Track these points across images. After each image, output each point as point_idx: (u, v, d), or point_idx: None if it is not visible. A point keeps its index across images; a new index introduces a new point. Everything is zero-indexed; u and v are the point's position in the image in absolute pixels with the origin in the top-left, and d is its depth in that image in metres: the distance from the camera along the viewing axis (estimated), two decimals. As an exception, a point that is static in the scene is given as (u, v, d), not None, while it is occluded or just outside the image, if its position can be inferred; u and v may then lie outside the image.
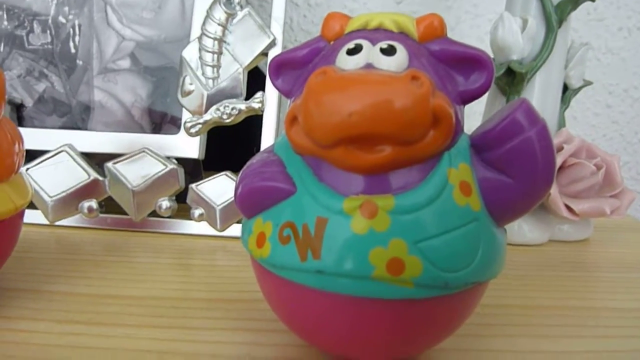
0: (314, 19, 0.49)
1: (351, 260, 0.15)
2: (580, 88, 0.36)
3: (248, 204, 0.17)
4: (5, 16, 0.35)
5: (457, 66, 0.17)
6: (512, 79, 0.33)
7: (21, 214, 0.22)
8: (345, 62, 0.16)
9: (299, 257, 0.15)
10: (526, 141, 0.16)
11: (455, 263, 0.15)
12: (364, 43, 0.16)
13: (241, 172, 0.18)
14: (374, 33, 0.17)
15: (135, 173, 0.32)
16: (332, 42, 0.17)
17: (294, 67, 0.18)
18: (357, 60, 0.16)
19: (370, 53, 0.16)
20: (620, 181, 0.32)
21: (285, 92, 0.18)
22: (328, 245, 0.15)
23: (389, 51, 0.16)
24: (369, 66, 0.16)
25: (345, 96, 0.15)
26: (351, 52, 0.16)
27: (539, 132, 0.16)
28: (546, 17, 0.33)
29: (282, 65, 0.18)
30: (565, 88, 0.36)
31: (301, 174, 0.16)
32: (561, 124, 0.36)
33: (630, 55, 0.51)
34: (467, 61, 0.17)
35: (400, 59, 0.16)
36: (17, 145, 0.22)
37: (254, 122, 0.34)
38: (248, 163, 0.18)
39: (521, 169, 0.16)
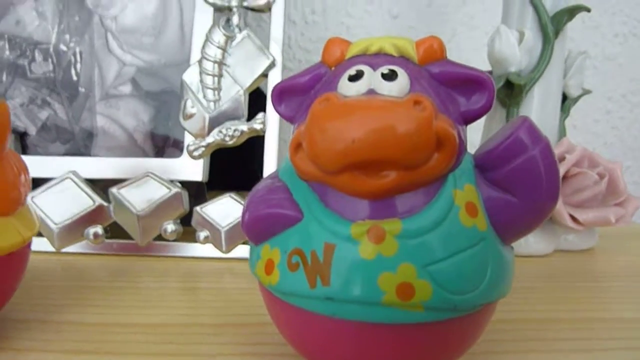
0: (312, 36, 0.49)
1: (360, 286, 0.15)
2: (579, 97, 0.36)
3: (255, 232, 0.17)
4: (7, 46, 0.35)
5: (458, 87, 0.17)
6: (511, 91, 0.34)
7: (29, 245, 0.22)
8: (348, 89, 0.16)
9: (308, 284, 0.15)
10: (530, 160, 0.16)
11: (465, 285, 0.15)
12: (365, 69, 0.16)
13: (247, 198, 0.18)
14: (375, 58, 0.17)
15: (139, 197, 0.32)
16: (333, 68, 0.18)
17: (296, 94, 0.18)
18: (358, 87, 0.16)
19: (372, 79, 0.16)
20: (623, 189, 0.32)
21: (288, 118, 0.18)
22: (337, 272, 0.15)
23: (390, 76, 0.16)
24: (371, 92, 0.16)
25: (348, 123, 0.15)
26: (353, 78, 0.16)
27: (542, 151, 0.16)
28: (542, 29, 0.33)
29: (284, 92, 0.18)
30: (565, 97, 0.36)
31: (307, 200, 0.16)
32: (562, 133, 0.36)
33: (627, 61, 0.51)
34: (468, 82, 0.17)
35: (401, 84, 0.16)
36: (22, 177, 0.22)
37: (255, 141, 0.34)
38: (254, 189, 0.18)
39: (526, 187, 0.16)
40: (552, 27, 0.33)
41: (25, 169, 0.23)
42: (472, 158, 0.17)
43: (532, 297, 0.27)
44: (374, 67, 0.16)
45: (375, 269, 0.15)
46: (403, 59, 0.17)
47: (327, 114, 0.15)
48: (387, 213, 0.15)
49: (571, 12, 0.33)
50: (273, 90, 0.18)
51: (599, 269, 0.32)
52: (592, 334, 0.23)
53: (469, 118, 0.17)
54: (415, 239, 0.15)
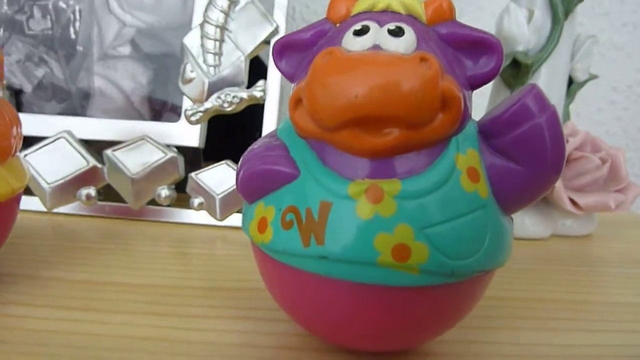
0: (317, 9, 0.49)
1: (355, 246, 0.14)
2: (585, 81, 0.36)
3: (250, 188, 0.17)
4: (5, 1, 0.35)
5: (466, 50, 0.16)
6: (517, 71, 0.33)
7: (18, 198, 0.22)
8: (352, 44, 0.16)
9: (301, 242, 0.15)
10: (536, 127, 0.15)
11: (462, 250, 0.15)
12: (371, 24, 0.16)
13: (243, 156, 0.17)
14: (382, 15, 0.16)
15: (134, 161, 0.31)
16: (338, 25, 0.17)
17: (298, 50, 0.18)
18: (364, 42, 0.15)
19: (378, 34, 0.15)
20: (625, 175, 0.32)
21: (288, 75, 0.18)
22: (332, 231, 0.15)
23: (397, 32, 0.15)
24: (376, 47, 0.15)
25: (351, 77, 0.14)
26: (358, 33, 0.16)
27: (549, 119, 0.15)
28: (552, 9, 0.33)
29: (286, 47, 0.18)
30: (571, 81, 0.35)
31: (305, 158, 0.16)
32: (566, 117, 0.35)
33: (634, 51, 0.51)
34: (476, 45, 0.16)
35: (408, 41, 0.15)
36: (15, 129, 0.22)
37: (255, 111, 0.33)
38: (250, 147, 0.18)
39: (530, 155, 0.15)
40: (563, 7, 0.33)
41: (17, 121, 0.22)
42: (477, 125, 0.17)
43: (527, 278, 0.27)
44: (381, 24, 0.16)
45: (371, 229, 0.14)
46: (411, 18, 0.16)
47: (330, 68, 0.15)
48: (387, 173, 0.15)
49: (583, -7, 0.32)
50: (274, 45, 0.18)
51: (595, 254, 0.32)
52: (584, 316, 0.23)
53: (476, 83, 0.16)
54: (414, 200, 0.14)
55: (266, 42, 0.33)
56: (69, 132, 0.32)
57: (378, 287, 0.15)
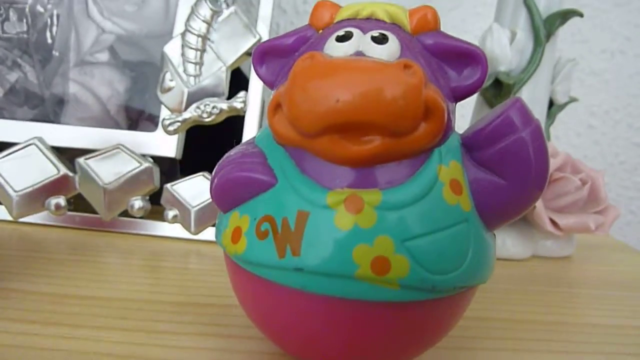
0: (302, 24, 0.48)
1: (333, 258, 0.14)
2: (565, 104, 0.36)
3: (224, 196, 0.16)
4: (-21, 2, 0.34)
5: (450, 60, 0.16)
6: (499, 91, 0.33)
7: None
8: (335, 49, 0.15)
9: (277, 253, 0.14)
10: (519, 141, 0.15)
11: (444, 265, 0.14)
12: (355, 31, 0.15)
13: (218, 163, 0.17)
14: (366, 22, 0.16)
15: (108, 170, 0.30)
16: (320, 31, 0.17)
17: (280, 55, 0.17)
18: (346, 48, 0.15)
19: (361, 41, 0.15)
20: (604, 197, 0.32)
21: (268, 82, 0.17)
22: (309, 241, 0.14)
23: (381, 40, 0.15)
24: (359, 54, 0.15)
25: (333, 82, 0.14)
26: (341, 39, 0.15)
27: (532, 132, 0.15)
28: (535, 31, 0.33)
29: (267, 53, 0.17)
30: (551, 104, 0.36)
31: (283, 166, 0.15)
32: (546, 138, 0.35)
33: (612, 78, 0.52)
34: (460, 56, 0.16)
35: (392, 49, 0.15)
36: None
37: (234, 123, 0.33)
38: (226, 155, 0.17)
39: (513, 169, 0.15)
40: (545, 30, 0.33)
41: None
42: (460, 137, 0.16)
43: (507, 299, 0.26)
44: (364, 30, 0.15)
45: (350, 241, 0.14)
46: (395, 26, 0.16)
47: (311, 72, 0.14)
48: (367, 183, 0.14)
49: (564, 16, 0.33)
50: (255, 50, 0.17)
51: (574, 276, 0.31)
52: (563, 337, 0.23)
53: (459, 94, 0.16)
54: (396, 211, 0.14)
55: (248, 53, 0.32)
56: (40, 139, 0.31)
57: (356, 302, 0.14)
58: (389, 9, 0.16)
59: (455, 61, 0.16)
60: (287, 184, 0.15)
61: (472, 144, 0.16)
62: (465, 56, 0.16)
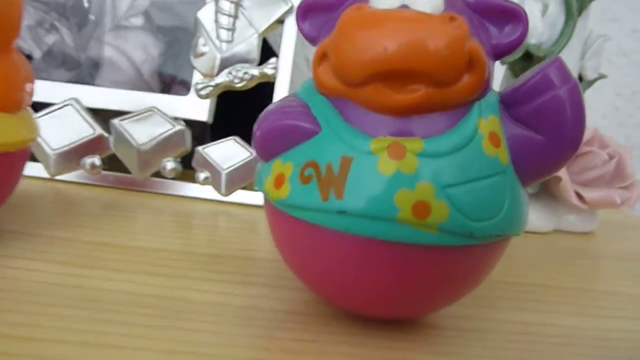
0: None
1: (375, 201, 0.14)
2: (594, 80, 0.36)
3: (268, 145, 0.16)
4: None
5: (492, 18, 0.16)
6: (529, 63, 0.33)
7: (27, 151, 0.22)
8: (380, 2, 0.15)
9: (320, 196, 0.15)
10: (556, 98, 0.15)
11: (482, 212, 0.15)
12: (400, -16, 0.16)
13: (261, 114, 0.17)
14: (410, -23, 0.16)
15: (141, 132, 0.31)
16: (364, -14, 0.17)
17: (323, 11, 0.17)
18: (392, 1, 0.15)
19: (406, -6, 0.15)
20: (631, 173, 0.32)
21: (311, 38, 0.18)
22: (352, 185, 0.14)
23: (426, -7, 0.15)
24: (404, 7, 0.15)
25: (380, 31, 0.14)
26: (387, -8, 0.16)
27: (570, 90, 0.15)
28: (567, 4, 0.33)
29: (310, 9, 0.18)
30: (580, 79, 0.36)
31: (326, 115, 0.16)
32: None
33: (641, 58, 0.51)
34: (502, 13, 0.16)
35: (436, 2, 0.15)
36: (28, 85, 0.22)
37: (262, 91, 0.33)
38: (268, 107, 0.17)
39: (550, 126, 0.16)
40: (577, 3, 0.33)
41: (31, 77, 0.22)
42: (498, 95, 0.17)
43: (531, 266, 0.27)
44: (409, -16, 0.16)
45: (392, 185, 0.14)
46: (439, -19, 0.16)
47: (359, 22, 0.15)
48: (409, 131, 0.15)
49: (598, -10, 0.33)
50: (299, 6, 0.18)
51: (597, 249, 0.32)
52: (588, 302, 0.23)
53: (499, 52, 0.16)
54: (437, 159, 0.14)
55: (280, 21, 0.33)
56: (77, 100, 0.32)
57: (395, 245, 0.14)
58: (433, -35, 0.17)
59: (496, 18, 0.16)
60: (330, 132, 0.15)
61: (509, 101, 0.16)
62: (506, 14, 0.16)
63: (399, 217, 0.14)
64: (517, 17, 0.16)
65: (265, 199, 0.18)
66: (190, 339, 0.16)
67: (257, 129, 0.17)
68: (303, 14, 0.18)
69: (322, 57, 0.16)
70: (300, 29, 0.18)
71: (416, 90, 0.14)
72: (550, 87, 0.15)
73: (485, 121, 0.15)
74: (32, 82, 0.22)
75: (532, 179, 0.16)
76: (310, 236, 0.16)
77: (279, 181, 0.16)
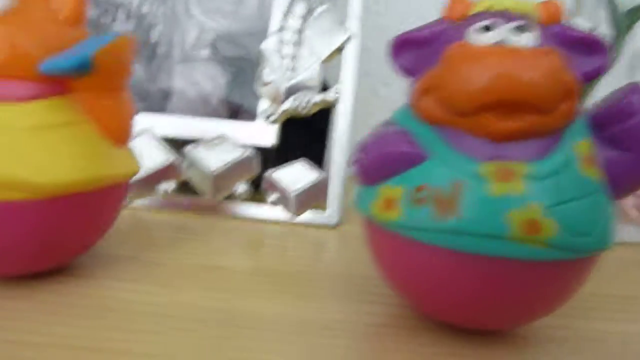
0: (388, 14, 0.50)
1: (488, 221, 0.16)
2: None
3: (377, 171, 0.18)
4: (91, 4, 0.37)
5: (576, 49, 0.18)
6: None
7: (128, 183, 0.23)
8: (479, 39, 0.17)
9: (434, 217, 0.16)
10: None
11: (583, 228, 0.16)
12: (497, 21, 0.17)
13: (363, 142, 0.19)
14: (502, 14, 0.18)
15: (214, 157, 0.33)
16: (457, 22, 0.19)
17: (417, 46, 0.19)
18: (490, 37, 0.17)
19: (503, 31, 0.17)
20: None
21: (406, 69, 0.19)
22: (465, 207, 0.16)
23: (522, 29, 0.17)
24: (499, 43, 0.17)
25: (487, 65, 0.16)
26: (484, 29, 0.17)
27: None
28: (615, 21, 0.34)
29: (404, 44, 0.19)
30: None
31: (431, 142, 0.17)
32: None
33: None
34: (586, 45, 0.18)
35: (533, 37, 0.17)
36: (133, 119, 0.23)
37: (322, 116, 0.35)
38: (370, 134, 0.19)
39: (637, 145, 0.17)
40: (625, 21, 0.34)
41: (135, 113, 0.24)
42: (585, 117, 0.18)
43: (615, 277, 0.27)
44: (505, 21, 0.17)
45: (503, 205, 0.16)
46: (527, 18, 0.18)
47: (468, 56, 0.16)
48: (513, 156, 0.16)
49: (645, 10, 0.34)
50: (394, 41, 0.19)
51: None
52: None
53: (586, 79, 0.18)
54: (541, 181, 0.16)
55: (339, 49, 0.35)
56: (151, 129, 0.34)
57: (505, 261, 0.16)
58: (519, 2, 0.18)
59: (580, 49, 0.18)
60: (438, 158, 0.17)
61: (596, 123, 0.18)
62: (590, 45, 0.18)
63: (510, 235, 0.15)
64: (600, 47, 0.18)
65: (368, 221, 0.19)
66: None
67: (364, 155, 0.18)
68: (397, 49, 0.19)
69: (425, 91, 0.17)
70: (395, 62, 0.19)
71: (521, 118, 0.16)
72: (636, 111, 0.17)
73: (579, 144, 0.17)
74: (134, 116, 0.24)
75: (622, 194, 0.18)
76: (420, 254, 0.17)
77: (389, 204, 0.17)
